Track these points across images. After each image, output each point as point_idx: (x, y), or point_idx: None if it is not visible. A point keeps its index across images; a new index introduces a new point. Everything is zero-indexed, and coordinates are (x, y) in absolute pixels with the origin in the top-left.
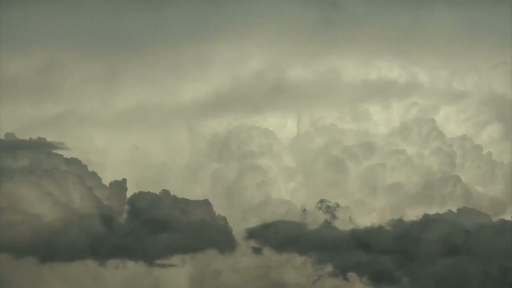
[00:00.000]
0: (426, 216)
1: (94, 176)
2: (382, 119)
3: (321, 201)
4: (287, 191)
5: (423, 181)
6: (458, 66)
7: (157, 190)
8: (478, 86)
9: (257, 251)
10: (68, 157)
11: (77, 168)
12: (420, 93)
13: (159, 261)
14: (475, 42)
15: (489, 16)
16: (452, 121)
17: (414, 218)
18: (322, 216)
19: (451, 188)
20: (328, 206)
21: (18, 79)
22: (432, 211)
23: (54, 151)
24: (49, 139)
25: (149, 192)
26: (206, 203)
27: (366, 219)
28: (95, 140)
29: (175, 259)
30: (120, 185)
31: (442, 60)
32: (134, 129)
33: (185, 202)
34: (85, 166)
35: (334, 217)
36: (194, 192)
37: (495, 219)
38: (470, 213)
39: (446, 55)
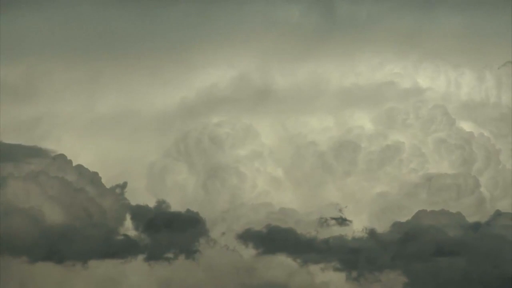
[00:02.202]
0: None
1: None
2: (381, 121)
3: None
4: (273, 197)
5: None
6: (463, 69)
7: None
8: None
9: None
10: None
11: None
12: (423, 97)
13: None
14: (481, 45)
15: (493, 18)
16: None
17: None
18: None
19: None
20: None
21: (2, 85)
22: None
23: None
24: (27, 143)
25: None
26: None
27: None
28: (74, 145)
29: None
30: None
31: (445, 64)
32: (112, 135)
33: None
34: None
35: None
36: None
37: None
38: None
39: (449, 60)
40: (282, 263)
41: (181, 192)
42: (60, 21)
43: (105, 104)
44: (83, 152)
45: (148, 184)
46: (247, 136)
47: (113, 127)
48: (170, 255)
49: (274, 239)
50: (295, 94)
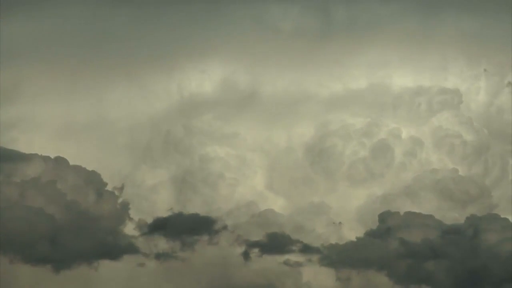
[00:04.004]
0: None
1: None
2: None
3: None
4: (257, 201)
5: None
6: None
7: None
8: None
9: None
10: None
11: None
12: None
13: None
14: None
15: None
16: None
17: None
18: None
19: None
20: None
21: None
22: None
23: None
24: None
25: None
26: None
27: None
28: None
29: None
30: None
31: (447, 69)
32: (85, 141)
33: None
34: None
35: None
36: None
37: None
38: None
39: (452, 64)
40: (269, 264)
41: (161, 197)
42: (42, 28)
43: (81, 110)
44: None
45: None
46: (230, 141)
47: (87, 134)
48: (166, 255)
49: (260, 240)
50: (282, 99)
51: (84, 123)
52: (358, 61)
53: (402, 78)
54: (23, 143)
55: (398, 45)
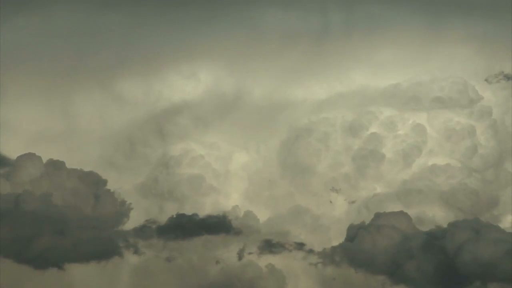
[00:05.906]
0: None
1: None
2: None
3: None
4: (240, 208)
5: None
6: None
7: None
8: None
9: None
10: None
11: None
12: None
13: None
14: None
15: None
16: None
17: None
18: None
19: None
20: None
21: None
22: None
23: None
24: None
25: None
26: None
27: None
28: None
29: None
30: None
31: (447, 74)
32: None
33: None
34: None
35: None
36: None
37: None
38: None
39: (455, 68)
40: (252, 266)
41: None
42: (26, 35)
43: (55, 117)
44: None
45: None
46: (208, 149)
47: (58, 142)
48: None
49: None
50: (265, 106)
51: (56, 131)
52: (355, 65)
53: (400, 80)
54: None
55: (398, 48)
